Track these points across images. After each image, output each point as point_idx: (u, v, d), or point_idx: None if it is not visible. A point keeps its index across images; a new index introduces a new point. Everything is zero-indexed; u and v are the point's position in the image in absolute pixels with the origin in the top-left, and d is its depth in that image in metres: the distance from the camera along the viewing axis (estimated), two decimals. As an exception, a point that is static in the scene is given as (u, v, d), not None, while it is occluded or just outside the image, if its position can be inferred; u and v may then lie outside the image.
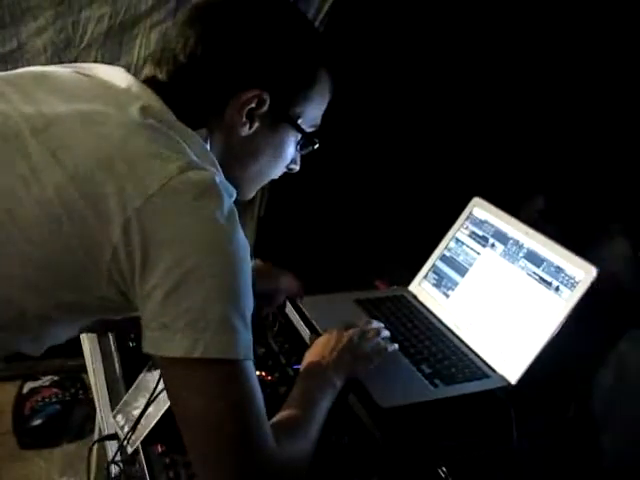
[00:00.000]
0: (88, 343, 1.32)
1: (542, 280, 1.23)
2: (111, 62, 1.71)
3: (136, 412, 1.04)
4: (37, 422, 2.21)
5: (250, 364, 0.78)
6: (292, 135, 0.94)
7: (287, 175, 1.02)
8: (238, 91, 0.86)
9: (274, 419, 0.90)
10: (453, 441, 1.07)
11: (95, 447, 1.16)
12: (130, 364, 1.19)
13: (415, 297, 1.47)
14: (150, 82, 0.87)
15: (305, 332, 1.28)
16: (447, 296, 1.41)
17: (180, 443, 0.78)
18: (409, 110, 2.04)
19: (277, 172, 0.99)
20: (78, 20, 1.72)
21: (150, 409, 1.02)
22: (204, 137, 0.86)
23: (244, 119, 0.87)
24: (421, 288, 1.48)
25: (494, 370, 1.22)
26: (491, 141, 2.03)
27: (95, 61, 1.74)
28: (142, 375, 1.10)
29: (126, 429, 1.03)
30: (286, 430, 0.87)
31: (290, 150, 0.95)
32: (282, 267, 1.29)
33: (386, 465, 1.02)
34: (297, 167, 1.01)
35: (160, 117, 0.81)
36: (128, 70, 0.89)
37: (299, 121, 0.92)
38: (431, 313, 1.41)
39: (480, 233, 1.40)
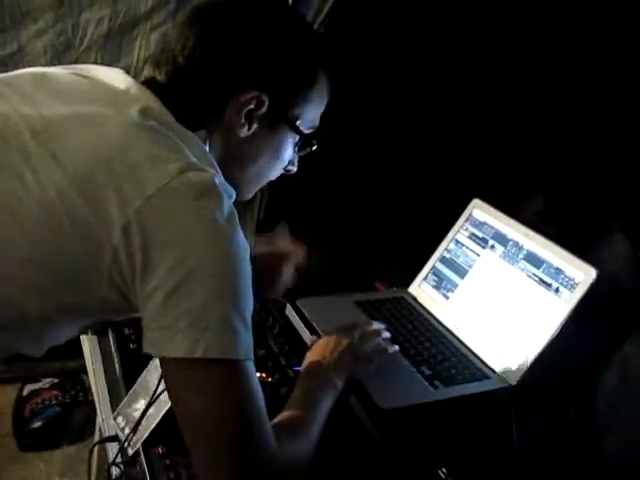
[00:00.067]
0: (88, 344, 1.32)
1: (542, 281, 1.23)
2: (111, 64, 1.70)
3: (137, 413, 1.04)
4: (37, 424, 2.21)
5: (251, 364, 0.78)
6: (290, 136, 0.94)
7: (287, 176, 1.02)
8: (237, 92, 0.86)
9: (275, 420, 0.90)
10: (453, 442, 1.07)
11: (96, 449, 1.16)
12: (130, 365, 1.18)
13: (415, 299, 1.47)
14: (149, 84, 0.87)
15: (305, 334, 1.27)
16: (447, 298, 1.40)
17: (181, 444, 0.78)
18: (408, 112, 2.04)
19: (275, 173, 0.99)
20: (78, 22, 1.73)
21: (151, 410, 1.01)
22: (203, 138, 0.86)
23: (243, 120, 0.87)
24: (421, 290, 1.48)
25: (494, 371, 1.22)
26: (490, 143, 2.04)
27: (95, 63, 1.74)
28: (142, 376, 1.10)
29: (127, 431, 1.03)
30: (287, 430, 0.87)
31: (288, 151, 0.96)
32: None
33: (386, 466, 1.02)
34: (294, 169, 1.01)
35: (159, 119, 0.81)
36: (128, 72, 0.89)
37: (297, 123, 0.92)
38: (431, 315, 1.41)
39: (480, 235, 1.40)
